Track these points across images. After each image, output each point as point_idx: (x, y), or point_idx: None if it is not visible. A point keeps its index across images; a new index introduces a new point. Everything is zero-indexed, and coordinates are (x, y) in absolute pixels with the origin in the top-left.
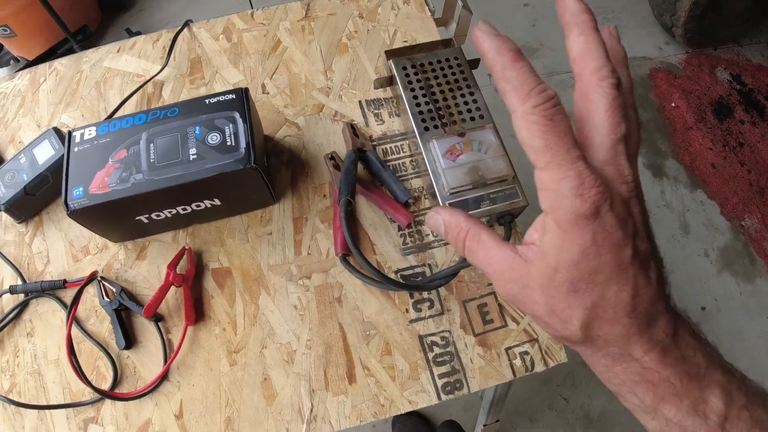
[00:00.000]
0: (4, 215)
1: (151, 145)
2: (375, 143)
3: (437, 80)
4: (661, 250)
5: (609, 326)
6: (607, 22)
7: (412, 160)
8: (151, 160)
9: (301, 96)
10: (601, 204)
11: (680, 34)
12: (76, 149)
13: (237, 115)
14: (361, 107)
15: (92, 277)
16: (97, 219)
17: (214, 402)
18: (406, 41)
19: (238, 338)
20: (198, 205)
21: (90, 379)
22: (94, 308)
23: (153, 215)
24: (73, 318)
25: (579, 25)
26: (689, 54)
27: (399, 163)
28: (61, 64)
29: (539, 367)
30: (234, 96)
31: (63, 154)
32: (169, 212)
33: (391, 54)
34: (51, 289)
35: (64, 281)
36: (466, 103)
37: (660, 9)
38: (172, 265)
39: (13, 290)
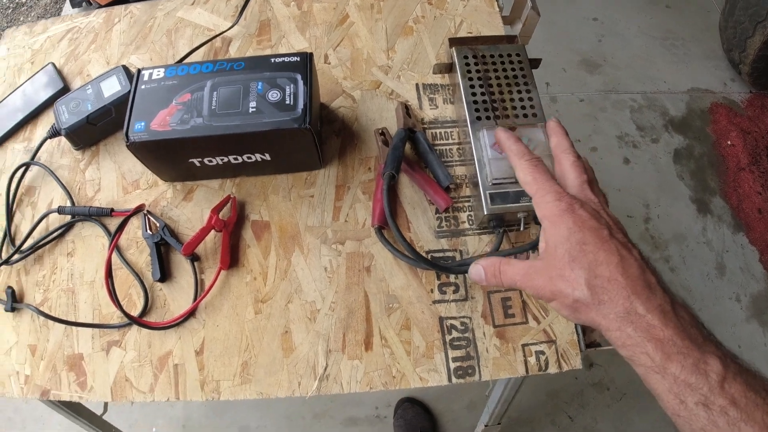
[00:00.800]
0: (62, 140)
1: (215, 93)
2: (425, 126)
3: (496, 73)
4: (693, 286)
5: (608, 283)
6: (675, 49)
7: (459, 148)
8: (213, 107)
9: (360, 71)
10: (573, 203)
11: (747, 72)
12: (143, 87)
13: (299, 77)
14: (417, 90)
15: (139, 209)
16: (153, 155)
17: (234, 345)
18: (470, 33)
19: (267, 289)
20: (249, 157)
21: (121, 304)
22: (135, 240)
23: (205, 160)
24: (116, 243)
25: (554, 133)
26: (753, 94)
27: (446, 149)
28: (136, 8)
29: (553, 369)
30: (299, 59)
31: (129, 90)
32: (221, 159)
33: (454, 42)
34: (98, 215)
35: (112, 210)
36: (521, 99)
37: (730, 44)
38: (216, 210)
39: (61, 210)
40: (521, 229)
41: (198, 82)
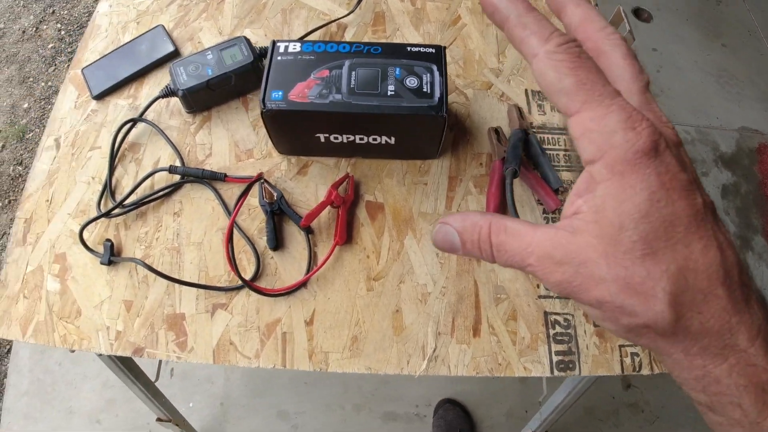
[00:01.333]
0: (172, 102)
1: (353, 72)
2: (534, 130)
3: None
4: None
5: (703, 300)
6: (729, 87)
7: (565, 154)
8: (351, 86)
9: (473, 70)
10: (658, 138)
11: None
12: (279, 58)
13: (434, 68)
14: (527, 95)
15: (259, 177)
16: (284, 125)
17: (345, 318)
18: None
19: (379, 268)
20: (374, 139)
21: (230, 270)
22: (248, 206)
23: (332, 136)
24: (239, 208)
25: (573, 1)
26: None
27: (553, 154)
28: None
29: (645, 371)
30: (434, 50)
31: (251, 61)
32: (347, 138)
33: None
34: (210, 179)
35: (225, 175)
36: None
37: None
38: (335, 186)
39: (172, 170)
40: None
41: (336, 60)
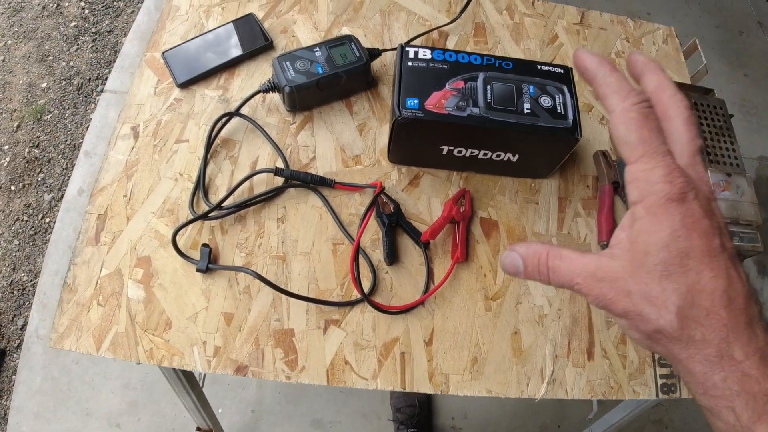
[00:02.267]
0: (270, 97)
1: (488, 86)
2: None
3: (706, 122)
4: None
5: (706, 317)
6: (749, 117)
7: None
8: (488, 100)
9: None
10: (687, 191)
11: None
12: (409, 64)
13: (565, 89)
14: None
15: (381, 189)
16: (414, 134)
17: (465, 339)
18: None
19: (497, 287)
20: (498, 155)
21: (342, 282)
22: (357, 214)
23: (456, 150)
24: (367, 221)
25: (651, 70)
26: None
27: None
28: None
29: None
30: (562, 71)
31: (364, 62)
32: (471, 152)
33: None
34: (319, 184)
35: (334, 181)
36: (727, 150)
37: None
38: (455, 201)
39: (278, 172)
40: None
41: (469, 72)
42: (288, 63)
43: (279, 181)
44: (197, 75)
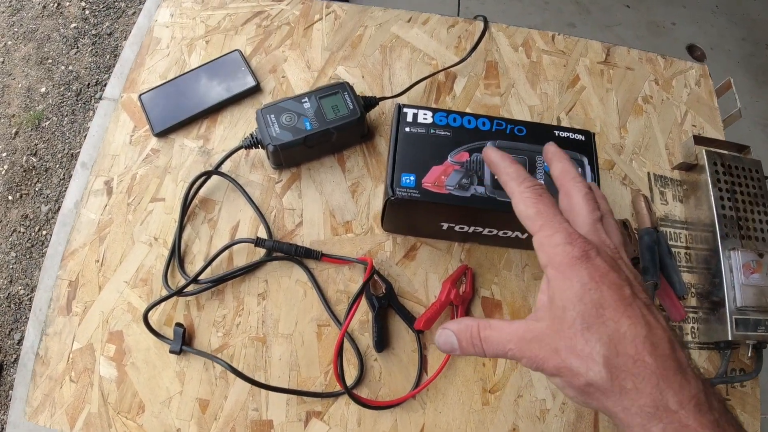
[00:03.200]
0: (254, 152)
1: None
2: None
3: (740, 188)
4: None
5: (633, 365)
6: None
7: (686, 253)
8: (495, 177)
9: None
10: (589, 249)
11: None
12: (406, 129)
13: (585, 161)
14: (649, 179)
15: (372, 270)
16: (409, 212)
17: None
18: (694, 126)
19: (496, 378)
20: (505, 233)
21: (326, 370)
22: (346, 291)
23: (457, 227)
24: (354, 313)
25: (558, 159)
26: None
27: (675, 253)
28: (341, 9)
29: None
30: (583, 138)
31: (357, 117)
32: (473, 229)
33: (698, 141)
34: (304, 257)
35: (322, 254)
36: (761, 221)
37: None
38: (454, 282)
39: (259, 243)
40: (749, 355)
41: (475, 140)
42: (272, 117)
43: (261, 251)
44: (176, 123)
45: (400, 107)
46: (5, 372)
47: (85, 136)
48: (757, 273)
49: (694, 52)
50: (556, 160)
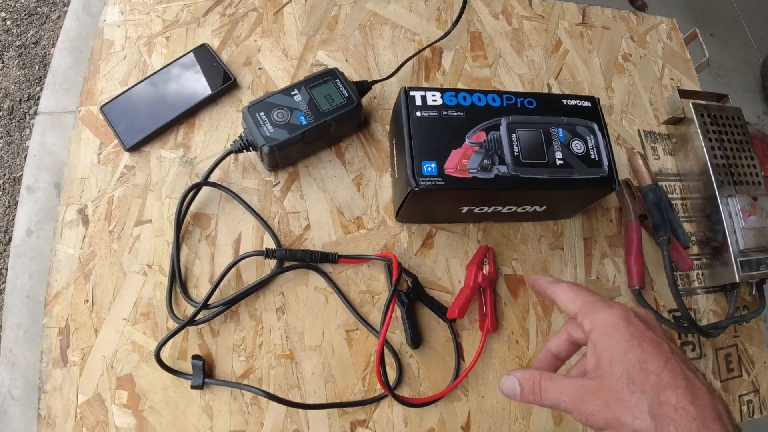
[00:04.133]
0: (242, 155)
1: (514, 135)
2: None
3: (726, 136)
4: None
5: (675, 412)
6: (719, 78)
7: (683, 204)
8: (516, 153)
9: None
10: (628, 311)
11: None
12: (417, 114)
13: (596, 127)
14: (640, 136)
15: (399, 267)
16: (432, 201)
17: (504, 418)
18: (672, 79)
19: (531, 353)
20: (524, 208)
21: (363, 376)
22: (369, 291)
23: (477, 209)
24: (390, 317)
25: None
26: None
27: (673, 204)
28: None
29: (756, 415)
30: (589, 104)
31: (355, 105)
32: (493, 209)
33: (683, 95)
34: (321, 261)
35: (338, 255)
36: (748, 166)
37: (764, 79)
38: (478, 265)
39: (270, 255)
40: (751, 293)
41: (488, 118)
42: (262, 114)
43: (271, 262)
44: (149, 134)
45: (406, 91)
46: None
47: (25, 157)
48: (754, 215)
49: (635, 2)
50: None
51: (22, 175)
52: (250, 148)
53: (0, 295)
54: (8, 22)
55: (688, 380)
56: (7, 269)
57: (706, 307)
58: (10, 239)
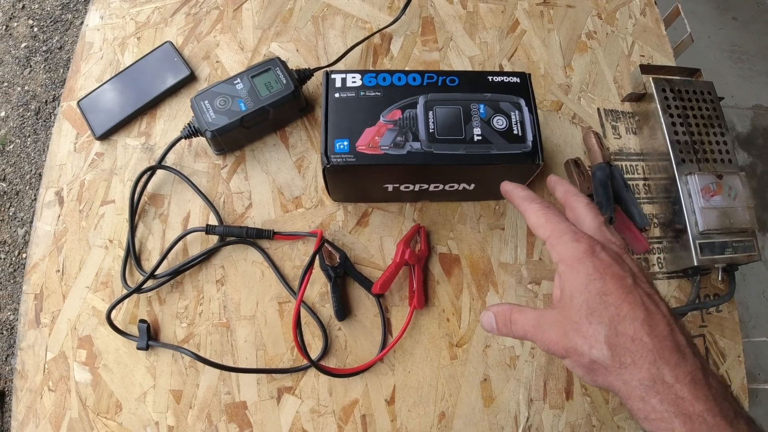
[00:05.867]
0: (196, 141)
1: (430, 113)
2: (613, 160)
3: (693, 111)
4: (750, 304)
5: (632, 343)
6: (741, 62)
7: (645, 185)
8: (431, 130)
9: (539, 87)
10: (594, 245)
11: None
12: (336, 95)
13: (522, 102)
14: (600, 115)
15: (321, 239)
16: (348, 178)
17: (430, 393)
18: (643, 56)
19: (462, 332)
20: (451, 186)
21: (292, 346)
22: (302, 266)
23: (401, 186)
24: (306, 284)
25: (560, 184)
26: None
27: (632, 185)
28: None
29: None
30: (518, 80)
31: (291, 91)
32: (419, 186)
33: (645, 70)
34: (257, 237)
35: (274, 232)
36: (717, 143)
37: None
38: (407, 242)
39: (210, 230)
40: (719, 279)
41: (407, 97)
42: (206, 103)
43: (214, 238)
44: (116, 124)
45: (327, 74)
46: (8, 398)
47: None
48: (718, 195)
49: None
50: (559, 185)
51: None
52: (198, 133)
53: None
54: (35, 29)
55: (648, 312)
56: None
57: (667, 293)
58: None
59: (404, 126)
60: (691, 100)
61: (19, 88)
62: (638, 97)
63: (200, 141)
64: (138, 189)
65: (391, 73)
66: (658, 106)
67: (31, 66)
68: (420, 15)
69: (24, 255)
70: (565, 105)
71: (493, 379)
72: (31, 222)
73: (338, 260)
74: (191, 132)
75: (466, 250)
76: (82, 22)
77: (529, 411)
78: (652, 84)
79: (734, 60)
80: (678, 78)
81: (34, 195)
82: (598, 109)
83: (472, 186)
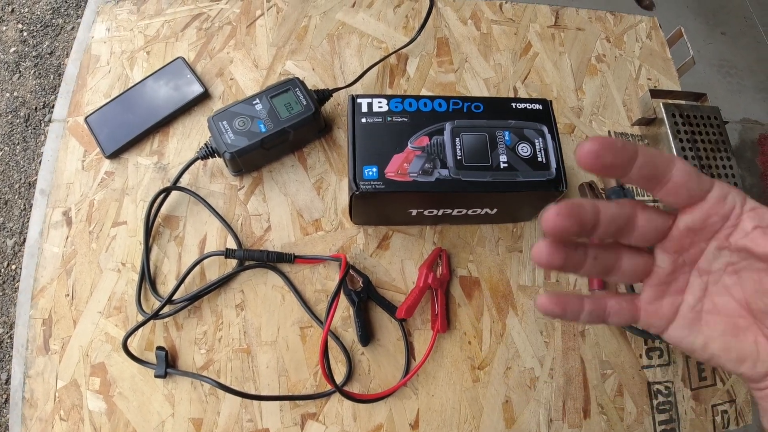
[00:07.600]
0: (211, 161)
1: (457, 139)
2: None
3: (701, 136)
4: None
5: None
6: (729, 77)
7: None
8: (458, 157)
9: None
10: None
11: None
12: (363, 120)
13: (545, 129)
14: None
15: (347, 265)
16: (376, 204)
17: (453, 416)
18: (650, 79)
19: (483, 354)
20: (474, 211)
21: (315, 371)
22: (324, 290)
23: (426, 211)
24: (334, 313)
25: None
26: None
27: None
28: (283, 1)
29: (732, 426)
30: (540, 106)
31: (312, 112)
32: (442, 211)
33: (655, 94)
34: (277, 261)
35: (294, 256)
36: (724, 167)
37: None
38: (430, 266)
39: (230, 254)
40: None
41: (433, 123)
42: (225, 123)
43: (232, 262)
44: (127, 142)
45: (353, 99)
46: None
47: (39, 162)
48: None
49: (642, 2)
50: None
51: (36, 179)
52: (215, 154)
53: (15, 293)
54: (25, 34)
55: None
56: (21, 268)
57: None
58: (24, 240)
59: (432, 152)
60: (699, 125)
61: (8, 94)
62: (648, 122)
63: (216, 161)
64: (153, 210)
65: (417, 98)
66: (669, 131)
67: (20, 71)
68: (435, 36)
69: (13, 266)
70: (578, 128)
71: (514, 401)
72: (20, 232)
73: (361, 284)
74: (208, 153)
75: (485, 272)
76: (73, 27)
77: (549, 431)
78: (663, 109)
79: (723, 74)
80: (685, 103)
81: (24, 204)
82: (609, 132)
83: (495, 210)
